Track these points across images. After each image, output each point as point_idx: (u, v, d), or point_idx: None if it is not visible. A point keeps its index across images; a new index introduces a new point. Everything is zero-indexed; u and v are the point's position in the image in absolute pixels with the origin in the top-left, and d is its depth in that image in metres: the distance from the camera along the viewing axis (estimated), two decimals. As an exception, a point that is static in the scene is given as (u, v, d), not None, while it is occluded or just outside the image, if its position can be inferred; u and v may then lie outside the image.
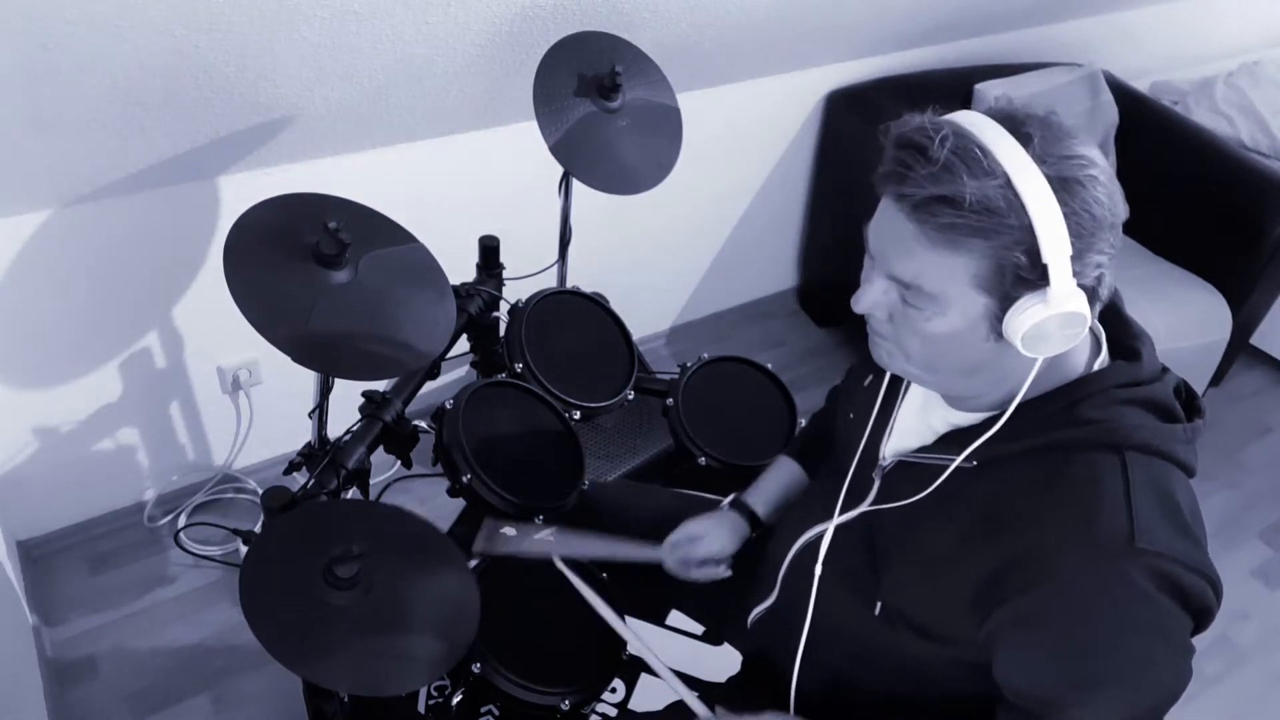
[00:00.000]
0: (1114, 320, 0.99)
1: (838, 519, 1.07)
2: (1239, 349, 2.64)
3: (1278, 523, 2.46)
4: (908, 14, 2.26)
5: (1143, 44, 3.10)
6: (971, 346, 0.88)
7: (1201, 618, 0.88)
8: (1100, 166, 0.83)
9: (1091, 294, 0.84)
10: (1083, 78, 2.59)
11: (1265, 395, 2.83)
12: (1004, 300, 0.84)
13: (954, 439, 0.96)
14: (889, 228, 0.87)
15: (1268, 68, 2.95)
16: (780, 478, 1.34)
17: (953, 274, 0.83)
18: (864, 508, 1.04)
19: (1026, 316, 0.82)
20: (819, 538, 1.09)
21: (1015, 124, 0.82)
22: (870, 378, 1.12)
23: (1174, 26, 3.15)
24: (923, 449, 0.99)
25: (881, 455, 1.06)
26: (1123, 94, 2.67)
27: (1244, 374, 2.86)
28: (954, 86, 2.47)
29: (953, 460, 0.93)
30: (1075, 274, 0.81)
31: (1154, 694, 0.87)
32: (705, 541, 1.26)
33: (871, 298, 0.91)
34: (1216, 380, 2.66)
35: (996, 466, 0.92)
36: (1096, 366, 0.93)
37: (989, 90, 2.43)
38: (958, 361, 0.90)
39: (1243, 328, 2.55)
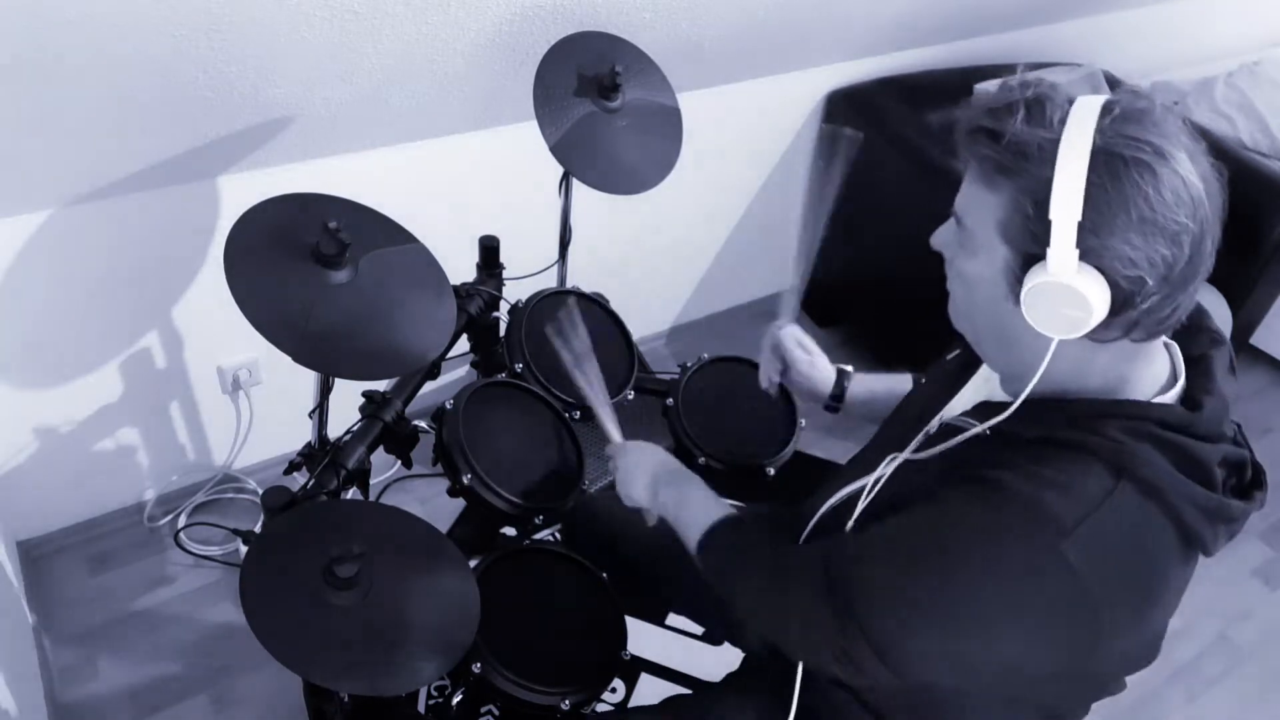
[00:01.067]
0: (1201, 374, 0.94)
1: (879, 471, 1.04)
2: (1239, 349, 2.65)
3: (1278, 523, 2.46)
4: (908, 14, 2.26)
5: (1143, 44, 3.10)
6: (997, 306, 0.87)
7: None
8: (1172, 167, 0.78)
9: (1121, 291, 0.80)
10: (1083, 78, 2.59)
11: (1265, 395, 2.84)
12: (1021, 258, 0.83)
13: (985, 410, 0.96)
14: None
15: (1268, 68, 2.95)
16: (893, 380, 1.36)
17: (984, 211, 0.85)
18: (883, 468, 1.03)
19: (1033, 277, 0.82)
20: (844, 501, 1.08)
21: (1110, 101, 0.81)
22: (957, 352, 1.13)
23: (1174, 26, 3.15)
24: (961, 415, 0.99)
25: (932, 424, 1.05)
26: (1123, 94, 2.66)
27: (1244, 374, 2.86)
28: (954, 86, 2.47)
29: (973, 426, 0.94)
30: (1088, 251, 0.79)
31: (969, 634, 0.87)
32: (816, 359, 1.37)
33: (942, 235, 0.94)
34: (1216, 380, 2.66)
35: (1004, 440, 0.91)
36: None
37: (989, 90, 2.43)
38: (990, 321, 0.90)
39: (1243, 328, 2.55)
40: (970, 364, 1.08)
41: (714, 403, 1.62)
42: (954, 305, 0.96)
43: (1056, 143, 0.79)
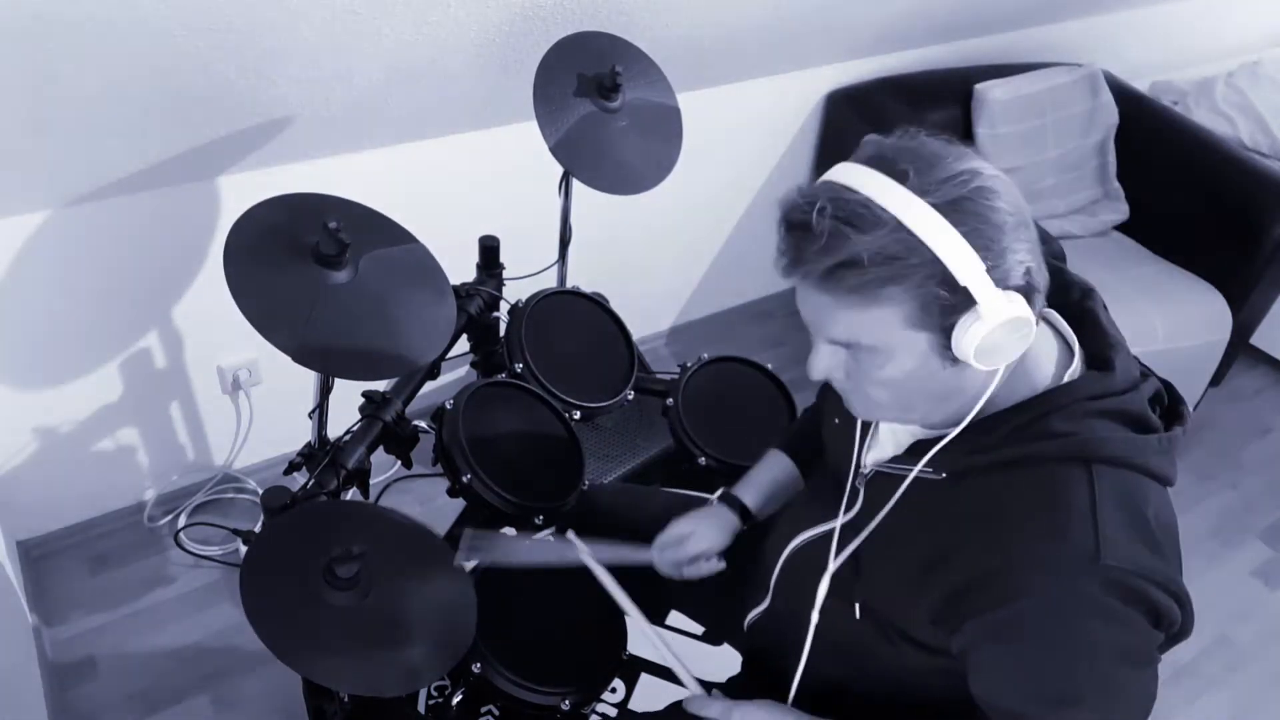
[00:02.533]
0: (1090, 328, 0.97)
1: (836, 524, 1.06)
2: (1239, 349, 2.64)
3: (1278, 523, 2.46)
4: (908, 14, 2.26)
5: (1143, 44, 3.10)
6: (932, 378, 0.88)
7: (1173, 633, 0.88)
8: (986, 174, 0.83)
9: (1027, 290, 0.84)
10: (1083, 78, 2.59)
11: (1265, 395, 2.83)
12: (943, 331, 0.84)
13: (921, 449, 0.97)
14: (808, 302, 0.88)
15: (1268, 68, 2.95)
16: (771, 471, 1.34)
17: (884, 324, 0.84)
18: (842, 519, 1.04)
19: (970, 337, 0.82)
20: (808, 543, 1.10)
21: (888, 165, 0.82)
22: None
23: (1174, 26, 3.15)
24: (895, 459, 1.00)
25: (864, 464, 1.06)
26: (1123, 94, 2.67)
27: (1244, 374, 2.86)
28: (954, 86, 2.47)
29: (914, 470, 0.94)
30: (999, 281, 0.82)
31: (1124, 713, 0.87)
32: (694, 540, 1.26)
33: (823, 364, 0.93)
34: (1216, 380, 2.66)
35: (968, 479, 0.92)
36: (1067, 377, 0.93)
37: (989, 90, 2.43)
38: (926, 394, 0.91)
39: (1243, 328, 2.55)
40: None
41: (714, 403, 1.62)
42: (872, 405, 0.94)
43: (902, 229, 0.80)
